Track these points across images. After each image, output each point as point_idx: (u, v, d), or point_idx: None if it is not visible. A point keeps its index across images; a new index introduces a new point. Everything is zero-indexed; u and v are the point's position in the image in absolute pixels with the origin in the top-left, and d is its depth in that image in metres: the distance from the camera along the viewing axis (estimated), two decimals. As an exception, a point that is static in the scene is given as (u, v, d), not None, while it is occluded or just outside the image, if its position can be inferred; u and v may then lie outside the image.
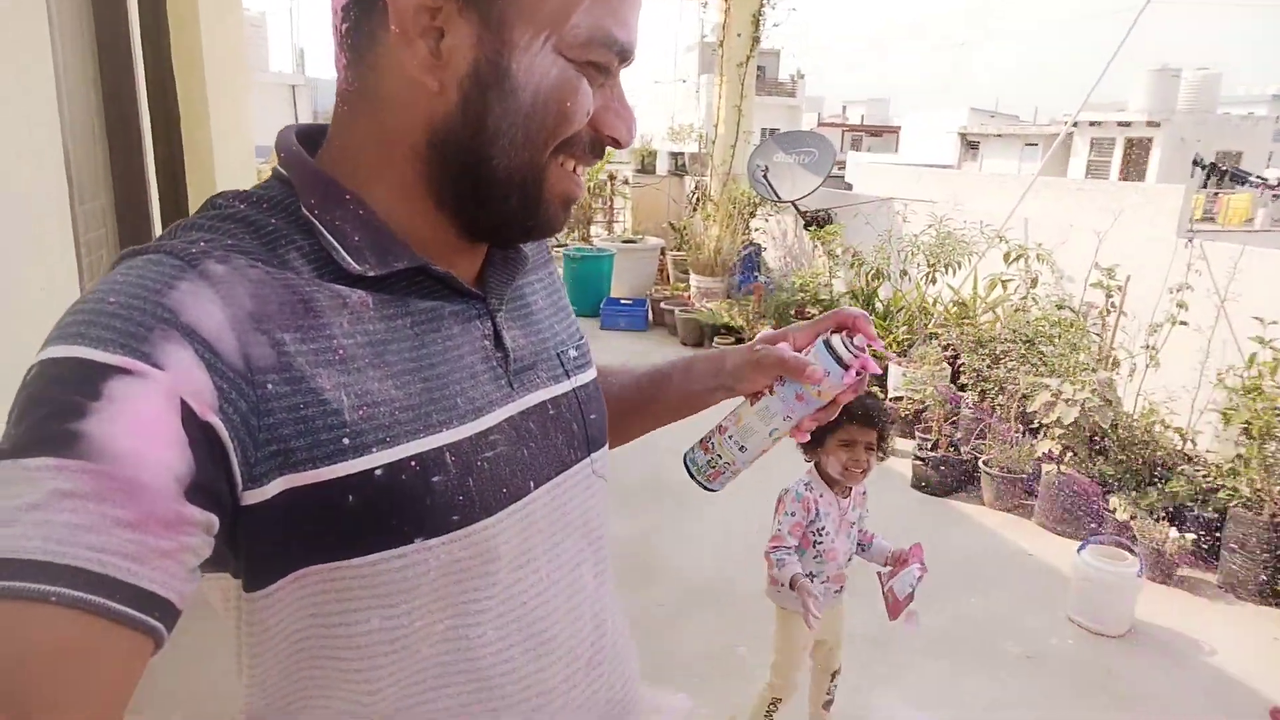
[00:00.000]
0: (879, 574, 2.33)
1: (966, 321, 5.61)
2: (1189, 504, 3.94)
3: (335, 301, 0.62)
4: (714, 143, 8.59)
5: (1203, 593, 3.77)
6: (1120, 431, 4.22)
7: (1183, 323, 4.40)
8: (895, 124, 41.86)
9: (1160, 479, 4.09)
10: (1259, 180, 20.17)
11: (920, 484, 4.68)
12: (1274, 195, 19.40)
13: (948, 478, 4.64)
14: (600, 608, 0.79)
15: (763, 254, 8.73)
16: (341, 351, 0.60)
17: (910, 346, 5.78)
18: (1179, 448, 4.28)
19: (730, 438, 0.90)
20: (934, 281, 5.97)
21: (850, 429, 2.24)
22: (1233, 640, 3.40)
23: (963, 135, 32.79)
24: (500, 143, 0.64)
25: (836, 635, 2.54)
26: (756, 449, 0.89)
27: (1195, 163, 21.57)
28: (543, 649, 0.71)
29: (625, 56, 0.66)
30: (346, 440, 0.59)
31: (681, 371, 0.95)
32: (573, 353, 0.80)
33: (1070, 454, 4.26)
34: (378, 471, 0.60)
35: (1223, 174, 20.63)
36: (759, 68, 9.44)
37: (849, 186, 9.47)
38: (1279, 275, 4.30)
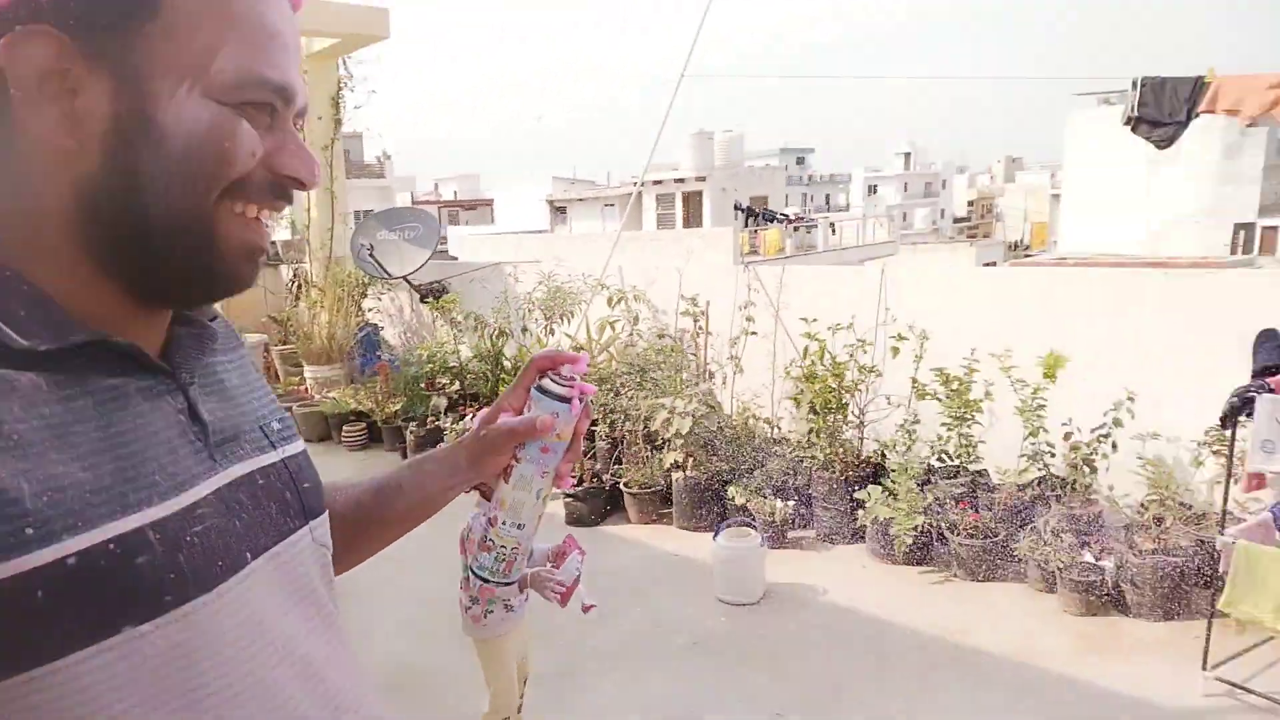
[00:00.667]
0: (538, 572, 2.46)
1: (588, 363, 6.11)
2: (785, 477, 4.73)
3: (2, 387, 0.56)
4: (308, 228, 8.29)
5: (808, 546, 4.56)
6: (726, 431, 4.94)
7: (753, 333, 5.31)
8: (488, 197, 43.96)
9: (762, 463, 4.86)
10: (783, 217, 25.13)
11: (574, 519, 4.97)
12: (794, 228, 24.27)
13: (597, 507, 5.00)
14: (340, 677, 0.76)
15: (381, 333, 8.59)
16: (15, 437, 0.55)
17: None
18: (770, 435, 5.12)
19: (504, 524, 0.89)
20: (552, 332, 6.42)
21: None
22: (835, 577, 4.16)
23: (550, 202, 35.55)
24: (155, 190, 0.62)
25: (526, 644, 2.66)
26: (532, 518, 0.89)
27: (736, 207, 26.13)
28: None
29: (286, 97, 0.66)
30: (30, 530, 0.54)
31: (411, 478, 0.94)
32: (276, 425, 0.79)
33: (691, 460, 4.87)
34: (70, 560, 0.55)
35: (757, 215, 25.26)
36: (345, 150, 9.35)
37: (454, 259, 9.77)
38: (810, 284, 5.42)
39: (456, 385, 6.74)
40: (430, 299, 7.75)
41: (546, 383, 0.86)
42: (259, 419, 0.77)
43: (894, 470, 4.29)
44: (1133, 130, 4.91)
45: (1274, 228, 22.70)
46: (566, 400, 0.85)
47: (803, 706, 3.14)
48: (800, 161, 57.03)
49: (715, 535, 4.03)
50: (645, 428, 5.10)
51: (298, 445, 0.80)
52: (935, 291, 5.12)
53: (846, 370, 4.73)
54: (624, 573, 4.28)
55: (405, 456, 6.62)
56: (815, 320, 4.82)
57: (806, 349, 4.82)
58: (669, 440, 4.84)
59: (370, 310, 8.53)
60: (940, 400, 4.46)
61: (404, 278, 7.87)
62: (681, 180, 29.98)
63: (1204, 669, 3.04)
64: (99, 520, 0.57)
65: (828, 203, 52.83)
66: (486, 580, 0.90)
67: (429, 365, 6.95)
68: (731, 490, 4.66)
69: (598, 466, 5.32)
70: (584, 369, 0.88)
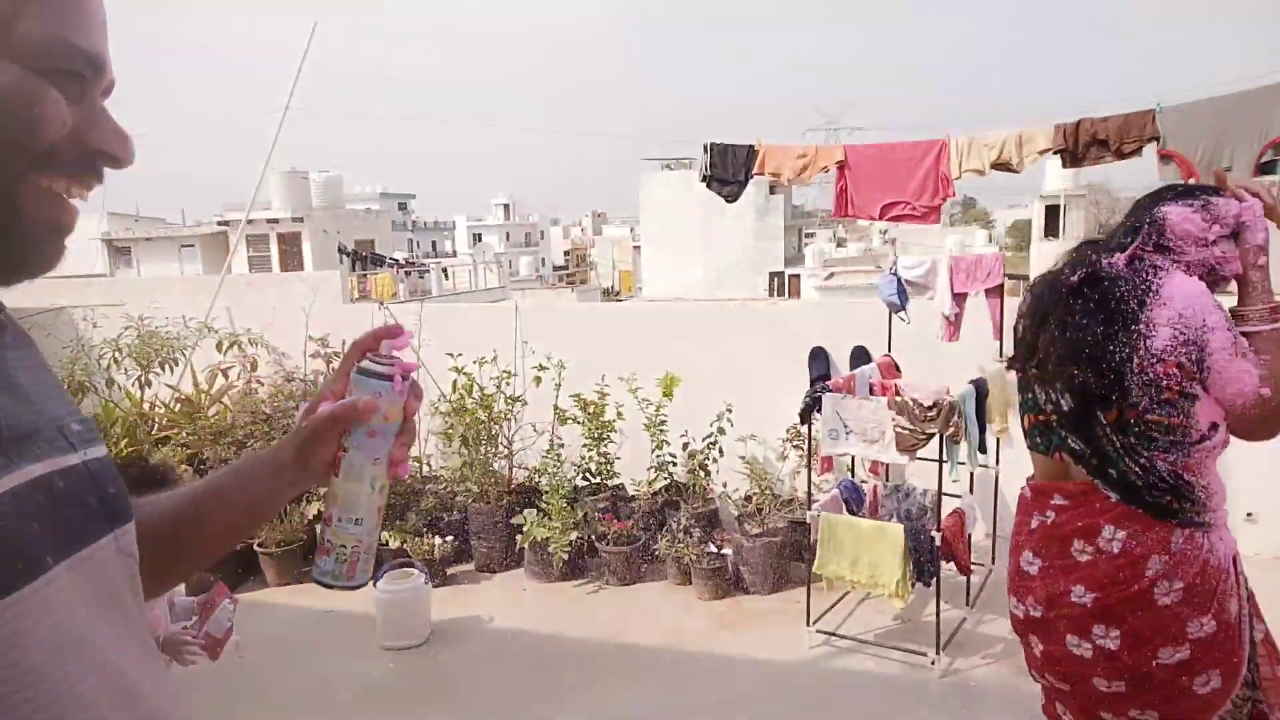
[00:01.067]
0: (171, 634, 2.22)
1: (198, 416, 5.41)
2: (439, 514, 4.70)
3: None
4: None
5: (469, 579, 4.58)
6: (373, 474, 4.74)
7: (392, 371, 5.19)
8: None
9: (415, 503, 4.76)
10: (393, 261, 24.70)
11: (198, 589, 4.35)
12: (406, 272, 23.99)
13: (226, 573, 4.44)
14: (156, 693, 0.71)
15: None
16: None
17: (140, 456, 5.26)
18: (420, 473, 5.04)
19: (340, 522, 0.82)
20: (149, 383, 5.56)
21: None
22: (499, 604, 4.24)
23: (109, 241, 30.48)
24: None
25: None
26: (370, 512, 0.82)
27: (340, 250, 25.00)
28: None
29: (96, 67, 0.63)
30: None
31: (231, 483, 0.86)
32: (75, 426, 0.71)
33: (338, 507, 4.59)
34: None
35: (365, 258, 24.47)
36: None
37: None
38: (448, 321, 5.48)
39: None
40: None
41: (366, 363, 0.83)
42: (56, 419, 0.70)
43: (546, 492, 4.52)
44: (707, 186, 5.79)
45: (796, 275, 28.32)
46: (388, 378, 0.81)
47: (488, 733, 3.15)
48: (403, 207, 56.60)
49: (375, 582, 3.86)
50: (280, 479, 4.67)
51: (100, 449, 0.73)
52: (566, 325, 5.53)
53: (494, 402, 4.88)
54: (274, 639, 3.87)
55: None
56: (460, 355, 4.89)
57: (455, 383, 4.86)
58: (310, 490, 4.50)
59: None
60: (580, 423, 4.82)
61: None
62: (276, 220, 27.85)
63: (808, 625, 3.72)
64: None
65: (434, 249, 53.10)
66: (329, 585, 0.83)
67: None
68: (385, 535, 4.49)
69: (223, 529, 4.73)
70: (405, 344, 0.86)
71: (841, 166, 5.20)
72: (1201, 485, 1.54)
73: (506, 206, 54.56)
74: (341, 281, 6.15)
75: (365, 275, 22.87)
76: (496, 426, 4.92)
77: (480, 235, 52.32)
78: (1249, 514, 4.30)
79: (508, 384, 4.96)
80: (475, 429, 4.75)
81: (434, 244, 55.35)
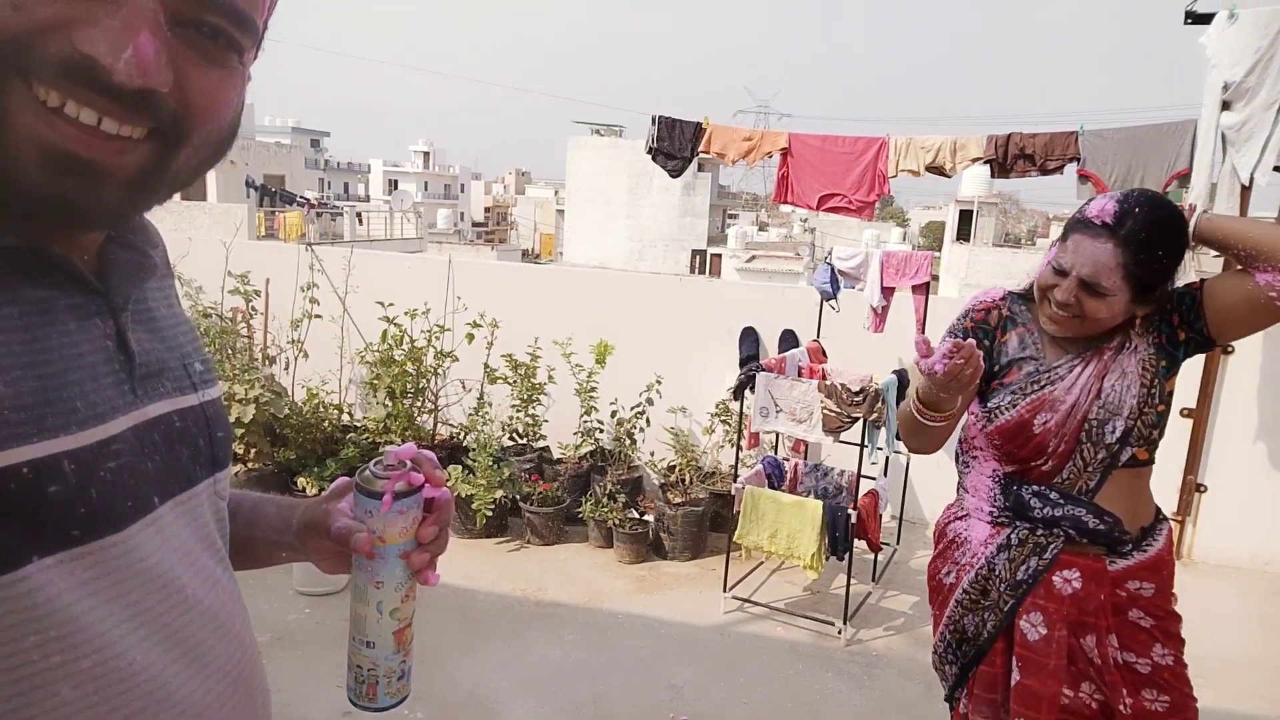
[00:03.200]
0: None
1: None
2: (360, 465, 4.62)
3: None
4: None
5: (389, 531, 4.54)
6: (293, 419, 4.63)
7: (318, 316, 5.06)
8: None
9: (334, 451, 4.68)
10: (304, 200, 23.65)
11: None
12: (318, 213, 23.04)
13: (133, 510, 4.29)
14: (242, 626, 0.73)
15: None
16: None
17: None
18: (340, 421, 4.95)
19: (354, 641, 0.76)
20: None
21: None
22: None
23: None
24: None
25: None
26: (383, 636, 0.75)
27: (248, 184, 23.77)
28: (195, 671, 0.64)
29: None
30: None
31: (251, 507, 0.84)
32: (199, 366, 0.71)
33: (254, 450, 4.47)
34: None
35: (274, 194, 23.36)
36: None
37: None
38: (379, 270, 5.36)
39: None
40: None
41: (367, 474, 0.73)
42: (183, 356, 0.71)
43: (472, 449, 4.53)
44: (653, 159, 5.85)
45: (719, 255, 28.69)
46: (376, 496, 0.72)
47: (409, 681, 3.17)
48: (316, 144, 54.12)
49: (296, 526, 3.80)
50: (194, 417, 4.51)
51: (216, 390, 0.75)
52: (502, 284, 5.50)
53: (424, 355, 4.82)
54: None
55: None
56: (391, 305, 4.81)
57: (385, 333, 4.78)
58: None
59: None
60: (511, 384, 4.83)
61: None
62: (179, 145, 26.15)
63: (724, 591, 3.89)
64: (15, 441, 0.53)
65: (346, 191, 51.15)
66: (354, 705, 0.78)
67: None
68: (301, 481, 4.41)
69: (128, 465, 4.54)
70: (411, 453, 0.76)
71: (785, 154, 5.34)
72: (964, 486, 1.85)
73: (426, 155, 52.93)
74: (249, 216, 5.95)
75: (274, 212, 21.88)
76: (425, 380, 4.87)
77: (396, 182, 50.66)
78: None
79: (438, 339, 4.91)
80: (402, 381, 4.69)
81: (346, 186, 53.30)
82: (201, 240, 5.63)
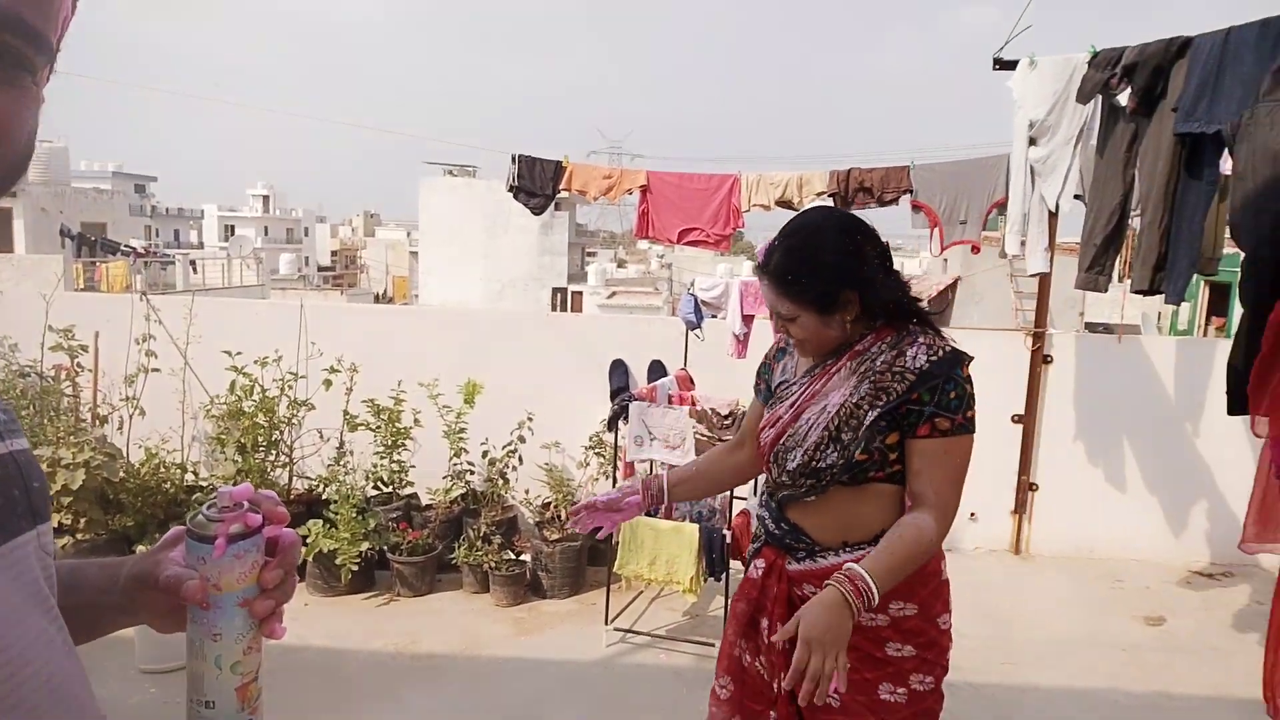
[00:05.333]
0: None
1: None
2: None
3: None
4: None
5: (245, 596, 4.22)
6: (130, 482, 4.24)
7: (155, 369, 4.68)
8: None
9: (177, 515, 4.31)
10: (129, 249, 21.88)
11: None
12: (145, 263, 21.38)
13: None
14: (82, 690, 0.66)
15: None
16: None
17: None
18: (184, 482, 4.57)
19: (193, 703, 0.69)
20: None
21: None
22: (285, 621, 3.95)
23: None
24: None
25: None
26: (225, 694, 0.68)
27: (63, 233, 21.76)
28: None
29: None
30: None
31: (69, 575, 0.73)
32: (1, 415, 0.65)
33: (84, 520, 4.05)
34: None
35: (94, 243, 21.47)
36: None
37: None
38: (227, 316, 5.05)
39: None
40: None
41: (199, 516, 0.68)
42: None
43: (334, 501, 4.30)
44: (515, 197, 5.85)
45: (579, 292, 28.85)
46: (209, 540, 0.67)
47: (277, 754, 2.94)
48: (140, 190, 50.39)
49: (137, 599, 3.46)
50: (9, 488, 4.04)
51: (23, 441, 0.68)
52: (359, 327, 5.30)
53: (277, 405, 4.56)
54: None
55: None
56: (239, 354, 4.52)
57: (234, 383, 4.47)
58: (53, 499, 3.94)
59: None
60: (374, 430, 4.63)
61: None
62: (-23, 192, 23.66)
63: (605, 624, 3.86)
64: None
65: (177, 239, 47.83)
66: None
67: None
68: (140, 549, 4.02)
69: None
70: (246, 494, 0.70)
71: (644, 190, 5.49)
72: None
73: (265, 198, 50.46)
74: (64, 268, 5.46)
75: (95, 263, 20.14)
76: (278, 432, 4.59)
77: (234, 227, 47.88)
78: (972, 514, 5.07)
79: (292, 387, 4.66)
80: (253, 434, 4.40)
81: (176, 233, 49.89)
82: (11, 294, 5.11)
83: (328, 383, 4.62)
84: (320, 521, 4.22)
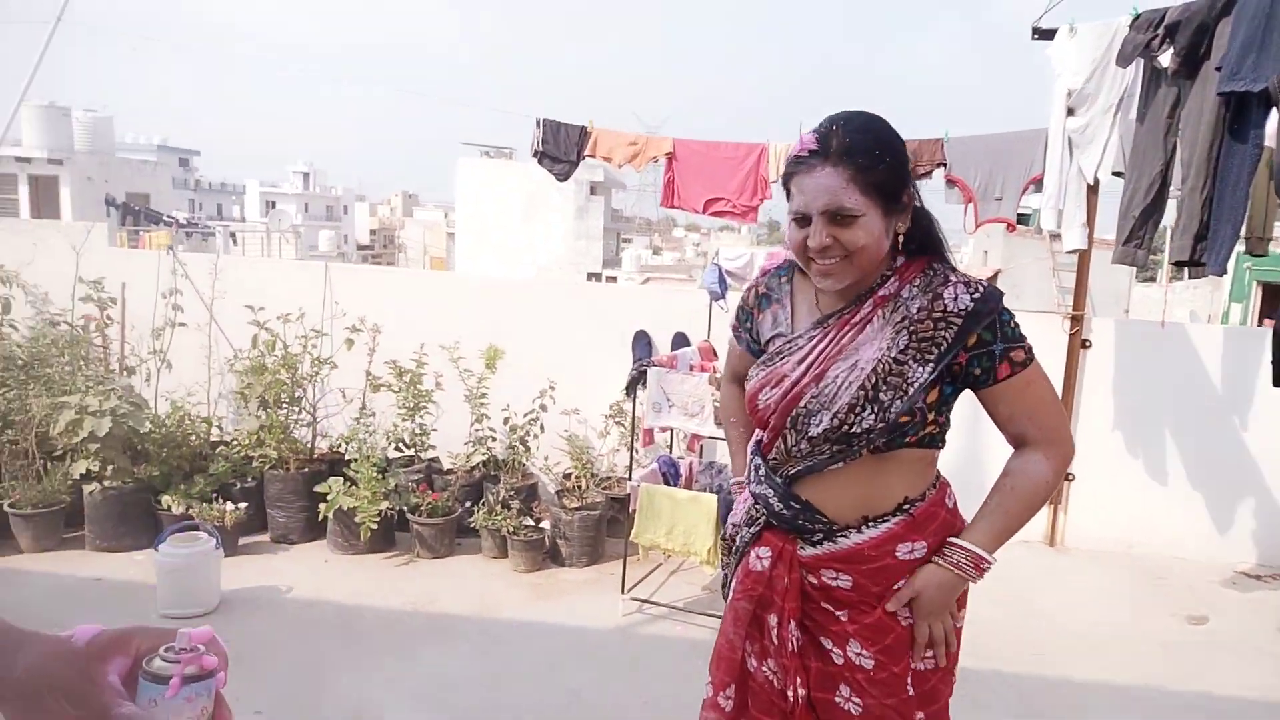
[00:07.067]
0: None
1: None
2: (232, 480, 4.32)
3: None
4: None
5: (264, 550, 4.25)
6: (155, 433, 4.27)
7: (182, 324, 4.71)
8: None
9: (203, 467, 4.34)
10: (171, 219, 22.27)
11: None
12: (188, 233, 21.73)
13: (-37, 539, 3.83)
14: None
15: None
16: None
17: None
18: (209, 435, 4.60)
19: None
20: None
21: None
22: (298, 575, 3.97)
23: None
24: None
25: None
26: None
27: (109, 202, 22.22)
28: None
29: None
30: None
31: None
32: None
33: (110, 467, 4.09)
34: None
35: (138, 213, 21.89)
36: None
37: None
38: (248, 276, 5.05)
39: None
40: None
41: (157, 660, 0.65)
42: None
43: (353, 461, 4.29)
44: (539, 162, 5.76)
45: (614, 277, 28.81)
46: (163, 681, 0.64)
47: (285, 700, 2.94)
48: (185, 163, 51.23)
49: (157, 545, 3.48)
50: (38, 434, 4.10)
51: None
52: (382, 288, 5.28)
53: (299, 362, 4.56)
54: (32, 611, 3.39)
55: None
56: (263, 309, 4.53)
57: (256, 338, 4.48)
58: (78, 446, 3.98)
59: None
60: (395, 391, 4.62)
61: None
62: (28, 160, 24.18)
63: (622, 593, 3.81)
64: None
65: (220, 213, 48.56)
66: None
67: None
68: (166, 499, 4.07)
69: (-41, 489, 4.07)
70: (208, 636, 0.67)
71: (670, 158, 5.39)
72: None
73: (306, 175, 50.95)
74: (109, 236, 5.51)
75: (138, 232, 20.50)
76: (300, 389, 4.60)
77: (275, 203, 48.49)
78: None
79: (315, 345, 4.65)
80: (276, 390, 4.41)
81: (219, 207, 50.65)
82: (54, 249, 5.16)
83: (349, 342, 4.61)
84: (340, 479, 4.21)
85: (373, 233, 52.21)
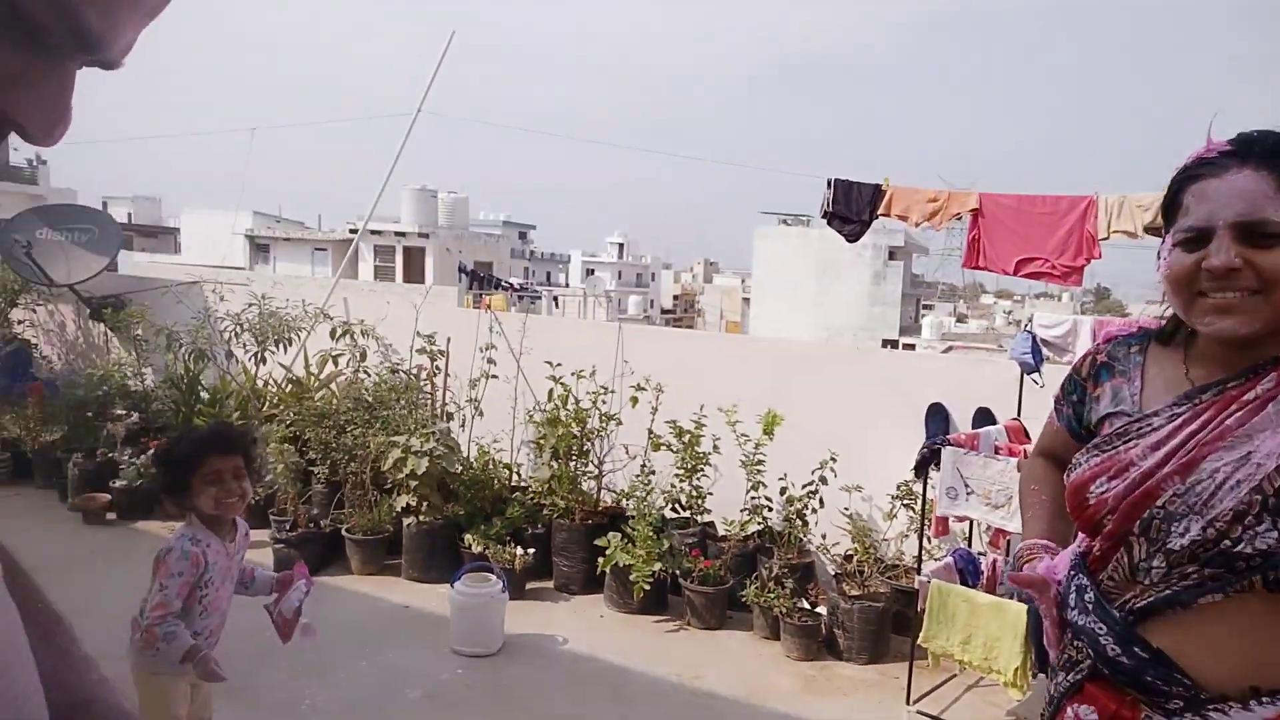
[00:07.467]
0: (266, 607, 2.18)
1: (305, 398, 5.52)
2: (524, 525, 4.58)
3: None
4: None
5: (546, 596, 4.42)
6: (465, 474, 4.68)
7: (494, 376, 5.16)
8: (171, 224, 39.01)
9: (501, 510, 4.66)
10: (508, 285, 25.42)
11: (286, 568, 4.36)
12: (520, 297, 24.61)
13: (313, 555, 4.44)
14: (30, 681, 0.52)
15: (35, 351, 7.10)
16: None
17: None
18: (509, 480, 4.95)
19: None
20: (264, 360, 5.73)
21: (211, 461, 2.04)
22: (574, 627, 4.06)
23: (251, 237, 32.55)
24: None
25: (209, 694, 2.23)
26: None
27: (461, 269, 25.91)
28: None
29: (77, 35, 0.41)
30: None
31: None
32: None
33: (425, 503, 4.53)
34: None
35: (482, 279, 25.26)
36: None
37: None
38: (551, 333, 5.43)
39: (135, 415, 5.74)
40: (107, 311, 6.58)
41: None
42: None
43: (633, 517, 4.34)
44: (828, 224, 5.53)
45: (911, 345, 27.38)
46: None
47: (546, 758, 2.95)
48: (523, 236, 58.45)
49: (453, 583, 3.75)
50: (373, 469, 4.68)
51: None
52: (667, 348, 5.38)
53: (589, 416, 4.75)
54: (349, 626, 3.83)
55: (65, 495, 5.54)
56: (560, 365, 4.80)
57: (551, 391, 4.76)
58: (401, 481, 4.48)
59: (21, 324, 7.05)
60: (674, 451, 4.61)
61: (70, 286, 6.62)
62: (403, 234, 29.14)
63: (908, 704, 3.37)
64: None
65: (548, 279, 54.40)
66: None
67: (101, 389, 5.84)
68: (469, 538, 4.40)
69: (315, 511, 4.77)
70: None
71: (975, 214, 4.90)
72: None
73: (620, 246, 55.45)
74: (459, 298, 6.24)
75: (481, 294, 23.54)
76: (589, 443, 4.79)
77: (593, 270, 53.30)
78: None
79: (604, 401, 4.83)
80: (567, 442, 4.63)
81: (548, 275, 56.70)
82: (401, 307, 5.98)
83: (634, 400, 4.72)
84: (619, 535, 4.27)
85: (675, 298, 55.17)
